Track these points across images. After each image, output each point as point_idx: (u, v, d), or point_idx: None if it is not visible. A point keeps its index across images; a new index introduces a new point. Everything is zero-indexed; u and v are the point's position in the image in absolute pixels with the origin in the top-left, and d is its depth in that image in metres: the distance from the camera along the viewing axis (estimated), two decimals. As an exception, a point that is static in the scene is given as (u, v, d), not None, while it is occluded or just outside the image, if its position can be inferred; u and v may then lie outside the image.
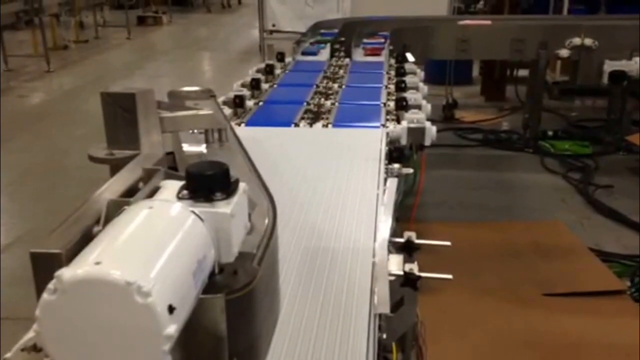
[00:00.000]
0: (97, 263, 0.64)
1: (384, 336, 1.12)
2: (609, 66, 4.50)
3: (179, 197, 0.84)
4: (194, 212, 0.81)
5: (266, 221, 1.10)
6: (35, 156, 5.24)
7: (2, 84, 7.68)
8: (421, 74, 3.26)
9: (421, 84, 3.00)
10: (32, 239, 3.54)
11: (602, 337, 2.62)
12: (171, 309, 0.65)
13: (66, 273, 0.63)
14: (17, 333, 0.93)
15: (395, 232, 1.52)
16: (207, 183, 0.86)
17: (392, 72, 3.27)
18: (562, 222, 3.76)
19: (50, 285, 0.63)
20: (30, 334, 0.81)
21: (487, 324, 2.73)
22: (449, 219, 3.76)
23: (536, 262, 3.24)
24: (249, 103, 2.67)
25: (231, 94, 2.65)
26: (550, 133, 5.20)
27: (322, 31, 4.14)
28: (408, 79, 3.00)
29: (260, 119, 2.47)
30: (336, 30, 4.14)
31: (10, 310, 2.88)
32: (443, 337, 2.50)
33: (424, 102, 2.63)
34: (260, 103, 2.71)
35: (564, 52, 4.64)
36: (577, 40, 4.59)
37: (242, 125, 2.35)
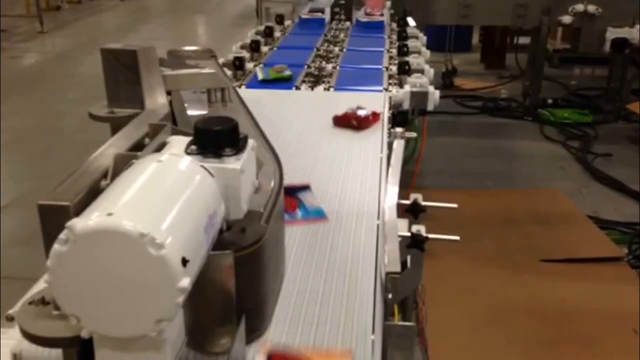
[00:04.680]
0: (109, 214, 0.62)
1: (390, 296, 1.11)
2: (612, 33, 4.45)
3: (188, 153, 0.83)
4: (203, 167, 0.80)
5: (272, 181, 1.09)
6: (29, 119, 5.18)
7: (-5, 44, 7.57)
8: (423, 38, 3.21)
9: (423, 48, 2.96)
10: (28, 201, 3.51)
11: (599, 303, 2.64)
12: (184, 262, 0.64)
13: (78, 223, 0.61)
14: (16, 292, 0.92)
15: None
16: (216, 138, 0.84)
17: (394, 36, 3.23)
18: (560, 190, 3.76)
19: (62, 236, 0.62)
20: (38, 288, 0.80)
21: (484, 290, 2.74)
22: (448, 187, 3.75)
23: (534, 229, 3.24)
24: (249, 65, 2.63)
25: (230, 56, 2.62)
26: (550, 101, 5.16)
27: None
28: (410, 43, 2.97)
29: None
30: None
31: (9, 270, 2.88)
32: (441, 302, 2.51)
33: (426, 67, 2.60)
34: (260, 65, 2.67)
35: (567, 19, 4.58)
36: (580, 7, 4.53)
37: (242, 87, 2.32)
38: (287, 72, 2.42)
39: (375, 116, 1.89)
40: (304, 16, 3.55)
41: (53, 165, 4.01)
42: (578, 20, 4.59)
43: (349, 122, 1.87)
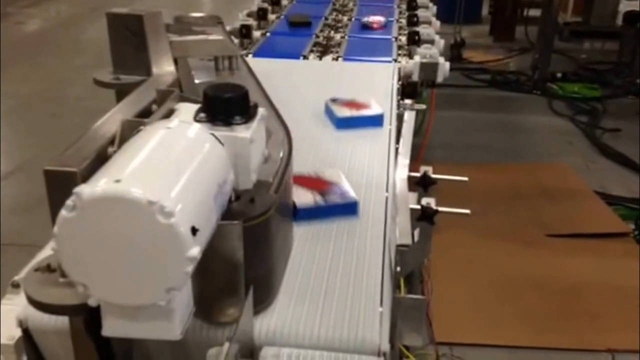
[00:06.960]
0: (117, 181, 0.60)
1: (398, 269, 1.10)
2: (625, 6, 4.37)
3: (197, 120, 0.81)
4: (213, 135, 0.78)
5: (281, 151, 1.07)
6: (35, 85, 5.15)
7: (-1, 10, 7.50)
8: (433, 8, 3.16)
9: (434, 19, 2.91)
10: (33, 168, 3.51)
11: (604, 278, 2.64)
12: (194, 231, 0.62)
13: (85, 190, 0.60)
14: (22, 259, 0.91)
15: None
16: (226, 106, 0.82)
17: (404, 6, 3.17)
18: (568, 165, 3.74)
19: (69, 202, 0.60)
20: (43, 255, 0.79)
21: (490, 264, 2.74)
22: (455, 161, 3.73)
23: (541, 204, 3.23)
24: (256, 34, 2.59)
25: (237, 24, 2.58)
26: (559, 75, 5.10)
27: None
28: (420, 13, 2.91)
29: (267, 50, 2.40)
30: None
31: (14, 237, 2.89)
32: (447, 275, 2.52)
33: (436, 37, 2.55)
34: (268, 34, 2.63)
35: (580, -10, 4.50)
36: (593, -22, 4.46)
37: (249, 56, 2.29)
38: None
39: None
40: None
41: (58, 132, 3.99)
42: (592, -8, 4.51)
43: None
